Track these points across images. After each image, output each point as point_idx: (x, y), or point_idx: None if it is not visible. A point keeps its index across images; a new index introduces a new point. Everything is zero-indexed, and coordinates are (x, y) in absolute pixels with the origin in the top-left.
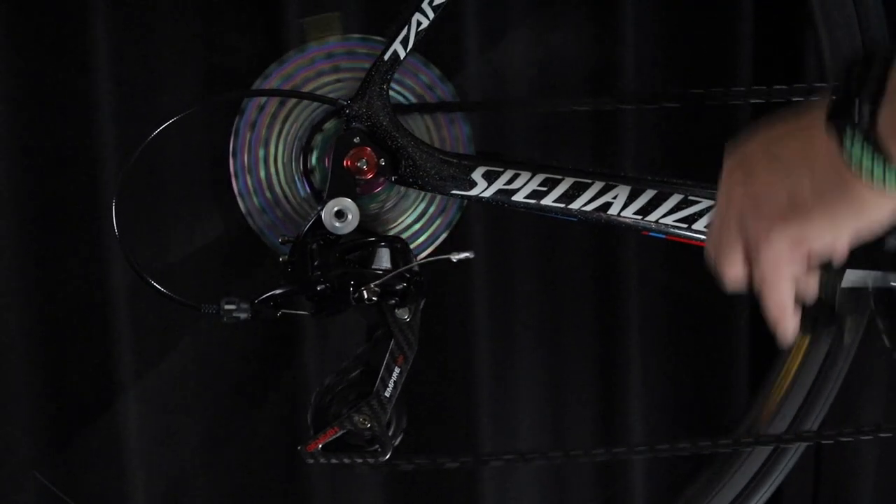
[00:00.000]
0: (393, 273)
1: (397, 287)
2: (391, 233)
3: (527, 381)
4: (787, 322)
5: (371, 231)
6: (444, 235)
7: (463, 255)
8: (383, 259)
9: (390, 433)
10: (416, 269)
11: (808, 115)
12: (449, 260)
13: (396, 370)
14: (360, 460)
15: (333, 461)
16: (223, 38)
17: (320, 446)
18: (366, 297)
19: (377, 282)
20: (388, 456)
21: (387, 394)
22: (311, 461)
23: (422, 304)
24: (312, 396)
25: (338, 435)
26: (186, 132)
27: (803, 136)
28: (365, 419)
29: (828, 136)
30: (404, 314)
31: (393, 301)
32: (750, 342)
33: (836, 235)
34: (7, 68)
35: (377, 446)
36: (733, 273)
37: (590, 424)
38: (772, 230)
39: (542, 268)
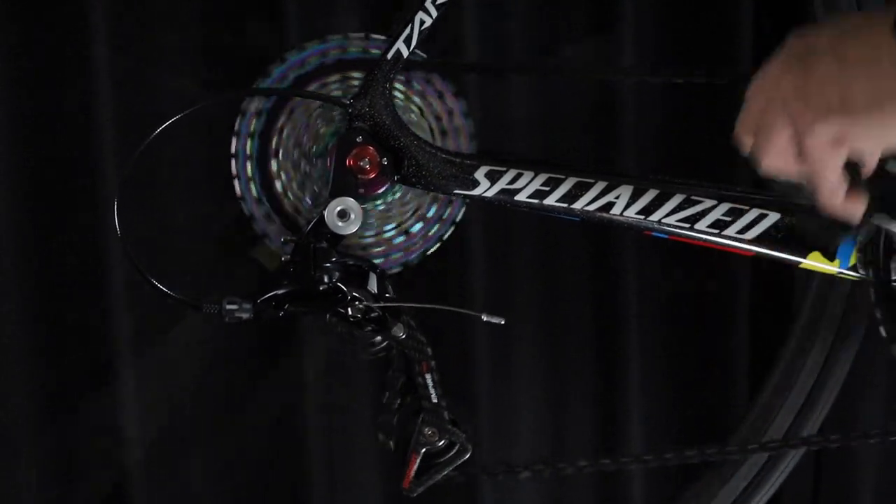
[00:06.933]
0: (401, 304)
1: (373, 315)
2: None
3: (526, 383)
4: (843, 206)
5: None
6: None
7: (495, 319)
8: (372, 284)
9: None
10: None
11: (877, 20)
12: (479, 318)
13: (428, 376)
14: (451, 468)
15: (430, 482)
16: (224, 35)
17: (412, 476)
18: (350, 312)
19: (371, 303)
20: (471, 450)
21: (434, 400)
22: (415, 494)
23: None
24: (390, 447)
25: (420, 458)
26: (187, 131)
27: (870, 40)
28: (431, 432)
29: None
30: (399, 332)
31: (370, 328)
32: (750, 343)
33: (878, 141)
34: (7, 67)
35: (457, 448)
36: (773, 160)
37: (589, 426)
38: (816, 123)
39: (542, 269)
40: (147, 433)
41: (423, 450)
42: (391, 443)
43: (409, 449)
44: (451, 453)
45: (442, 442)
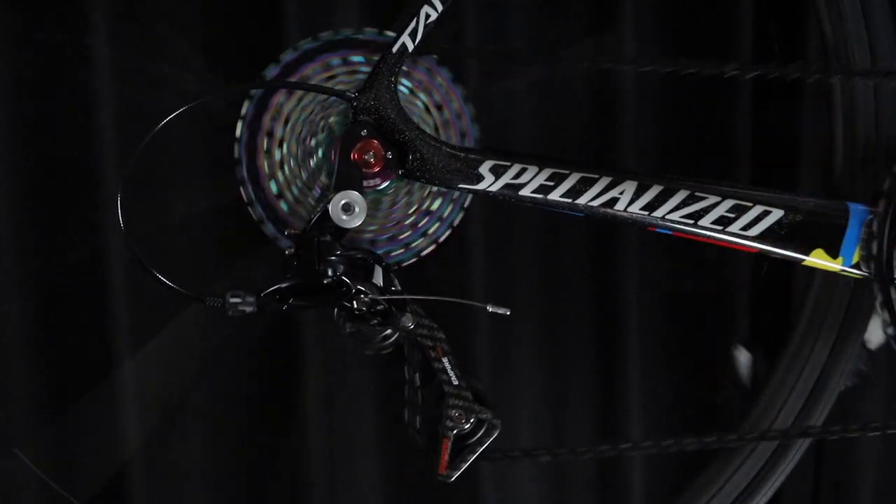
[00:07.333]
0: (406, 297)
1: (379, 307)
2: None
3: (526, 380)
4: None
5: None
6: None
7: (500, 310)
8: (378, 277)
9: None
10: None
11: None
12: (484, 309)
13: (445, 360)
14: (484, 447)
15: (466, 465)
16: (224, 34)
17: (447, 462)
18: (356, 305)
19: (376, 296)
20: (500, 427)
21: (455, 382)
22: (452, 479)
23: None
24: (419, 443)
25: (451, 443)
26: (189, 128)
27: None
28: (458, 414)
29: None
30: (408, 322)
31: (375, 322)
32: (750, 342)
33: None
34: (7, 67)
35: (486, 427)
36: None
37: (589, 425)
38: None
39: (542, 266)
40: (146, 432)
41: (454, 433)
42: (423, 437)
43: (440, 435)
44: (481, 432)
45: (470, 423)
